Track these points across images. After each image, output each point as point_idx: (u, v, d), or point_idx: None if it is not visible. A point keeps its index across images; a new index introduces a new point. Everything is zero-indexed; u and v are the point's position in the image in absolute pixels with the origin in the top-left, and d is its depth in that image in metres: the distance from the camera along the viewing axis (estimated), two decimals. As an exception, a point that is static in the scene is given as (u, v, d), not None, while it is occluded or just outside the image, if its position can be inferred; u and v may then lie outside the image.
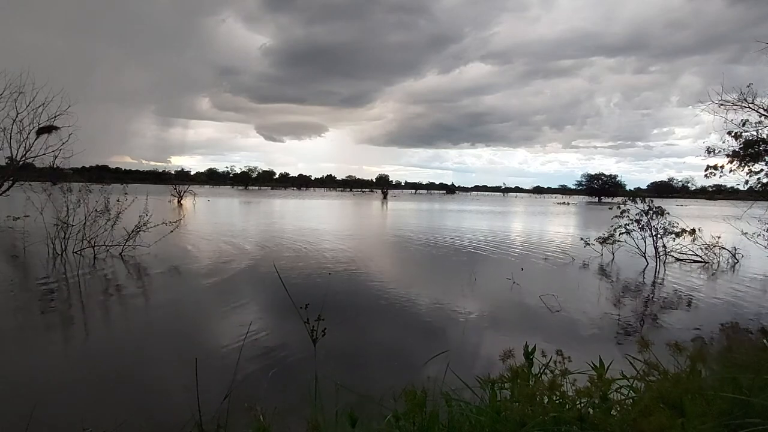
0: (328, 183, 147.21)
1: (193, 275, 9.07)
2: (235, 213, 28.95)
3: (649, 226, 12.29)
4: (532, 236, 18.71)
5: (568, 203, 66.95)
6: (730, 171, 10.71)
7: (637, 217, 12.51)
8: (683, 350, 1.73)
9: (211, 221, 21.63)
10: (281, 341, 5.27)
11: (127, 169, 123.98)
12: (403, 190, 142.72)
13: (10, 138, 11.30)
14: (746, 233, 11.06)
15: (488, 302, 7.47)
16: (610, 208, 13.18)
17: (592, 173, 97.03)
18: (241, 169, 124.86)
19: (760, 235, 10.90)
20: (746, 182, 10.65)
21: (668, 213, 12.40)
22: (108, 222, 11.03)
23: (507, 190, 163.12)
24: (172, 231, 12.12)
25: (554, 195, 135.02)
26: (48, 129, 11.62)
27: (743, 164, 10.48)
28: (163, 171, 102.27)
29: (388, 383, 2.34)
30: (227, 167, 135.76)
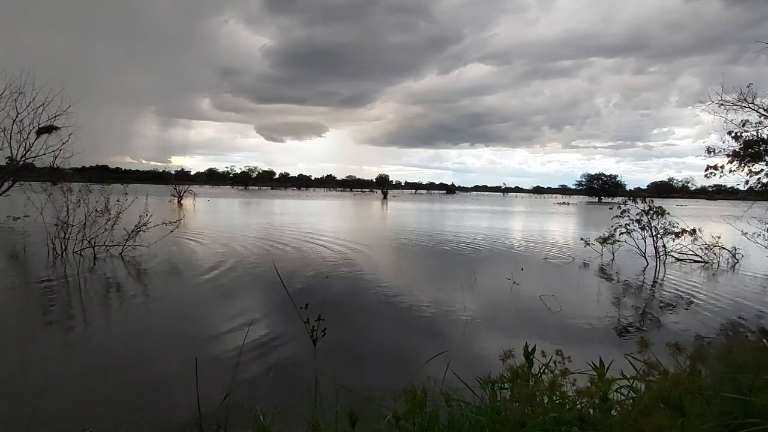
0: (329, 183, 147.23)
1: (193, 275, 9.07)
2: (235, 213, 28.95)
3: (650, 226, 12.29)
4: (532, 236, 18.71)
5: (568, 203, 66.93)
6: (730, 171, 10.71)
7: (638, 217, 12.51)
8: (683, 350, 1.73)
9: (211, 221, 21.62)
10: (281, 341, 5.27)
11: (127, 169, 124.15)
12: (403, 190, 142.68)
13: (10, 138, 11.30)
14: (746, 233, 11.06)
15: (488, 302, 7.47)
16: (610, 208, 13.18)
17: (592, 173, 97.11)
18: (241, 169, 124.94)
19: (760, 235, 10.90)
20: (746, 182, 10.65)
21: (668, 213, 12.40)
22: (108, 222, 11.02)
23: (507, 190, 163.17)
24: (172, 231, 12.12)
25: (554, 195, 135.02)
26: (48, 129, 11.61)
27: (743, 164, 10.47)
28: (163, 171, 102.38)
29: (388, 383, 2.34)
30: (227, 167, 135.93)
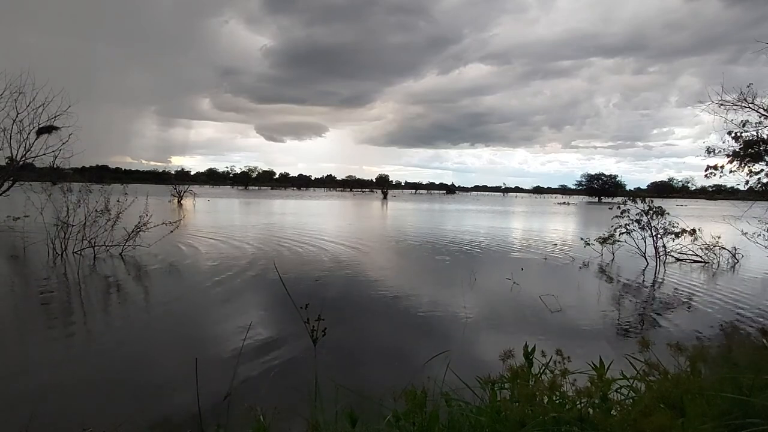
0: (329, 183, 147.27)
1: (193, 275, 9.07)
2: (236, 213, 28.95)
3: (649, 226, 12.29)
4: (532, 236, 18.71)
5: (569, 203, 66.93)
6: (730, 171, 10.70)
7: (637, 217, 12.51)
8: (683, 350, 1.73)
9: (212, 221, 21.62)
10: (281, 341, 5.27)
11: (127, 169, 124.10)
12: (403, 190, 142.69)
13: (10, 138, 11.31)
14: (746, 233, 11.06)
15: (488, 302, 7.47)
16: (610, 208, 13.18)
17: (592, 173, 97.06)
18: (241, 169, 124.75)
19: (760, 235, 10.90)
20: (746, 182, 10.64)
21: (668, 213, 12.40)
22: (108, 222, 11.03)
23: (507, 190, 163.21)
24: (172, 231, 12.13)
25: (554, 195, 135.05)
26: (48, 129, 11.62)
27: (743, 164, 10.47)
28: (163, 171, 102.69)
29: (388, 383, 2.34)
30: (227, 167, 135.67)
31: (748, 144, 10.18)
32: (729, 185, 12.15)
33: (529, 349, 2.02)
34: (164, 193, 36.61)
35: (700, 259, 12.08)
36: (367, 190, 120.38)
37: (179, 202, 34.01)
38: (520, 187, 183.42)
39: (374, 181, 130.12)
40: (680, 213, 17.02)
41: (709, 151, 10.85)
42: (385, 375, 4.40)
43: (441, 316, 6.54)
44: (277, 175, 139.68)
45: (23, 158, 11.59)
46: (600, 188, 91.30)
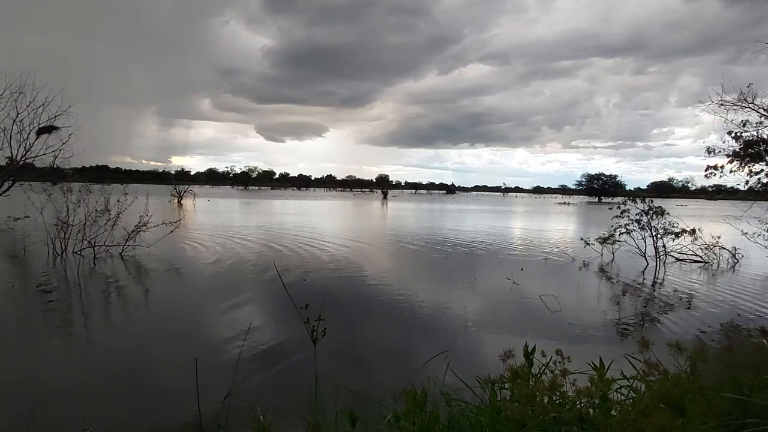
0: (329, 183, 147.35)
1: (193, 275, 9.07)
2: (236, 213, 28.94)
3: (649, 226, 12.29)
4: (532, 236, 18.70)
5: (569, 203, 66.93)
6: (731, 171, 10.71)
7: (637, 217, 12.51)
8: (683, 350, 1.73)
9: (212, 221, 21.61)
10: (281, 341, 5.27)
11: (127, 169, 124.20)
12: (403, 190, 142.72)
13: (10, 138, 11.33)
14: (746, 233, 11.06)
15: (488, 302, 7.47)
16: (610, 208, 13.17)
17: (592, 173, 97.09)
18: (241, 169, 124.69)
19: (760, 235, 10.90)
20: (746, 182, 10.64)
21: (668, 213, 12.40)
22: (108, 222, 11.02)
23: (507, 190, 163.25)
24: (172, 231, 12.12)
25: (554, 195, 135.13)
26: (48, 129, 11.63)
27: (743, 164, 10.47)
28: (163, 171, 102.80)
29: (388, 383, 2.34)
30: (227, 167, 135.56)
31: (748, 144, 10.18)
32: (729, 185, 12.17)
33: (529, 349, 2.02)
34: (164, 193, 36.61)
35: (700, 259, 12.08)
36: (367, 190, 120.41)
37: (179, 202, 34.00)
38: (520, 187, 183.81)
39: (374, 181, 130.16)
40: (680, 213, 17.02)
41: (709, 151, 10.85)
42: (385, 375, 4.39)
43: (441, 315, 6.53)
44: (277, 175, 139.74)
45: (23, 158, 11.60)
46: (600, 188, 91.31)
